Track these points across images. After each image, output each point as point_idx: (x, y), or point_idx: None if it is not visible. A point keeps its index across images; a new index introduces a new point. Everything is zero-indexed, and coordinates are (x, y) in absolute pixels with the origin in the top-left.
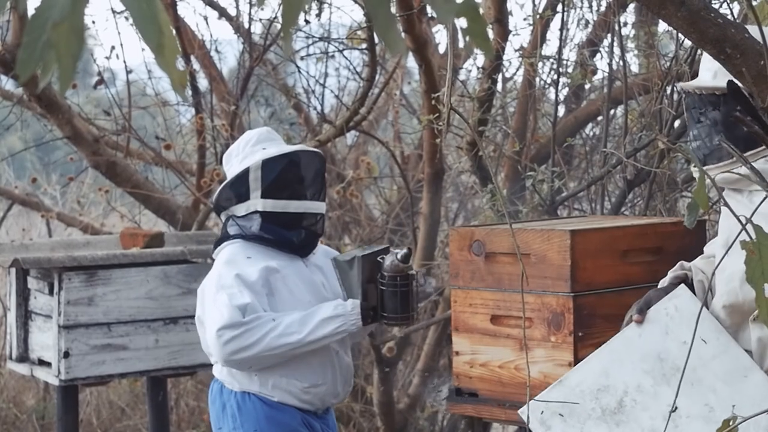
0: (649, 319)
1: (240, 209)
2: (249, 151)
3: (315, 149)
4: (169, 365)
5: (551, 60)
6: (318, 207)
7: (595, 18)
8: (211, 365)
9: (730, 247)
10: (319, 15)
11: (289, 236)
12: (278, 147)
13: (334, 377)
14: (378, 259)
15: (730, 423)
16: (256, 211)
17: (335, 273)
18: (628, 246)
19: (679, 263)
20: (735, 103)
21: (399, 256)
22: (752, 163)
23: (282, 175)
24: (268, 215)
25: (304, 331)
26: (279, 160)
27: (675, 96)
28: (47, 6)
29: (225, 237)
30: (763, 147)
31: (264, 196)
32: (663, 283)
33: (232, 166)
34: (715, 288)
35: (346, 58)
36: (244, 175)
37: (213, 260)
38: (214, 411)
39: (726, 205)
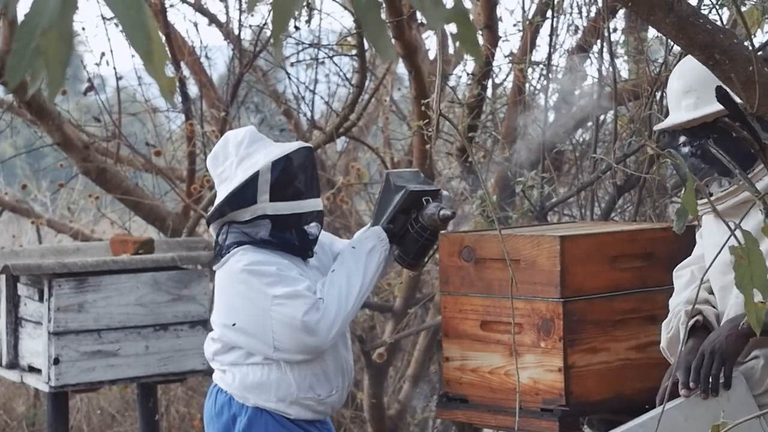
0: (697, 403)
1: (243, 215)
2: (245, 153)
3: (309, 144)
4: (160, 372)
5: (541, 66)
6: (318, 204)
7: (585, 24)
8: (201, 371)
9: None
10: (309, 21)
11: (294, 239)
12: (277, 147)
13: (344, 383)
14: (423, 199)
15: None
16: (264, 216)
17: (383, 185)
18: (617, 252)
19: (662, 325)
20: (719, 128)
21: (441, 214)
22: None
23: (289, 176)
24: (277, 219)
25: (361, 271)
26: (284, 160)
27: (665, 102)
28: (36, 13)
29: (227, 246)
30: (759, 168)
31: (273, 198)
32: (679, 326)
33: (225, 170)
34: (727, 306)
35: (336, 64)
36: (253, 178)
37: (204, 268)
38: (220, 423)
39: (714, 210)
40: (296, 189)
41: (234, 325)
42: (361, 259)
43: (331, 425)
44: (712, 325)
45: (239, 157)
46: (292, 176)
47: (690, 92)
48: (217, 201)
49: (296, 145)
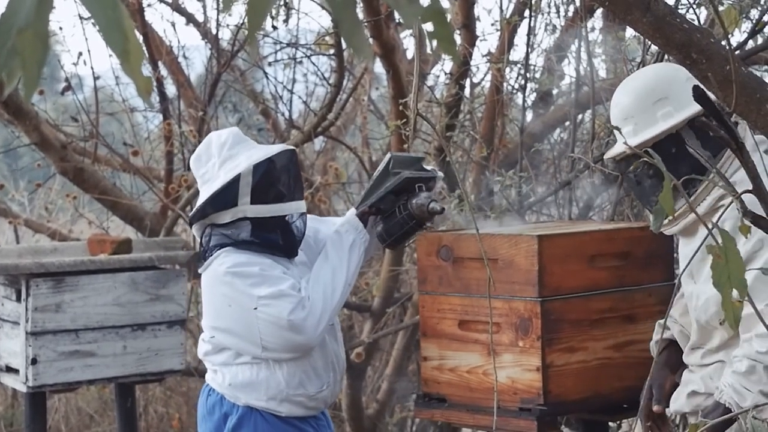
0: None
1: (224, 217)
2: (227, 154)
3: (292, 147)
4: (137, 371)
5: (519, 65)
6: (301, 206)
7: (563, 23)
8: (179, 371)
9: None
10: (286, 21)
11: (277, 239)
12: (259, 149)
13: (335, 377)
14: (416, 186)
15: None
16: (244, 218)
17: (382, 164)
18: (595, 251)
19: (656, 324)
20: (675, 140)
21: (430, 206)
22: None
23: (271, 179)
24: (258, 221)
25: (344, 266)
26: (267, 163)
27: None
28: (12, 12)
29: (210, 248)
30: (702, 188)
31: (253, 201)
32: (652, 344)
33: (207, 171)
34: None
35: (314, 63)
36: (234, 181)
37: (182, 268)
38: (211, 422)
39: (694, 212)
40: (278, 192)
41: (220, 327)
42: (344, 254)
43: (329, 419)
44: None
45: (222, 158)
46: (274, 179)
47: (627, 119)
48: (199, 202)
49: (279, 147)
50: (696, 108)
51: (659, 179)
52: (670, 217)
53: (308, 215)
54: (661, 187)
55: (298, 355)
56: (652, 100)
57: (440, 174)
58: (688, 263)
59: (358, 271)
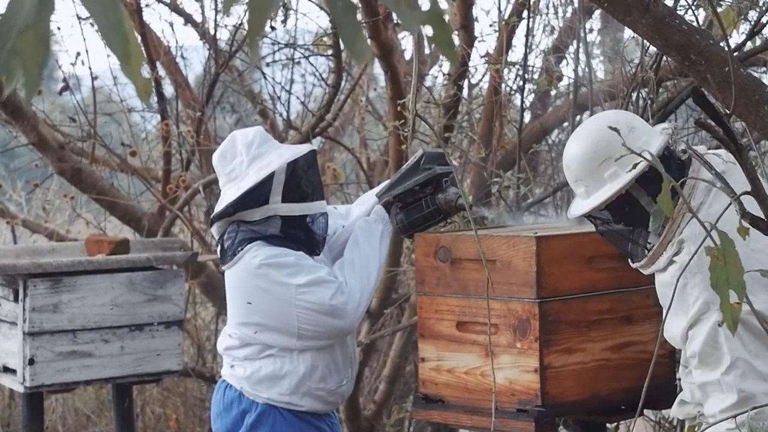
0: None
1: (254, 214)
2: (256, 153)
3: (314, 147)
4: (135, 372)
5: (517, 66)
6: (324, 205)
7: (561, 24)
8: (176, 372)
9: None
10: (285, 21)
11: (302, 237)
12: (288, 149)
13: (352, 373)
14: (443, 180)
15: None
16: (275, 216)
17: (414, 158)
18: (593, 252)
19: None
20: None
21: (458, 202)
22: (676, 234)
23: (299, 178)
24: (288, 219)
25: (377, 254)
26: (295, 163)
27: (641, 102)
28: (12, 14)
29: (239, 242)
30: (663, 235)
31: (284, 200)
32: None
33: (234, 169)
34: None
35: (312, 64)
36: (268, 179)
37: (180, 268)
38: (228, 418)
39: (690, 210)
40: (303, 191)
41: (251, 321)
42: (375, 243)
43: (336, 418)
44: None
45: (250, 156)
46: (302, 178)
47: (578, 182)
48: (227, 200)
49: (306, 147)
50: (642, 165)
51: (625, 223)
52: (646, 259)
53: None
54: (628, 233)
55: (333, 341)
56: (596, 162)
57: (454, 164)
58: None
59: (385, 260)
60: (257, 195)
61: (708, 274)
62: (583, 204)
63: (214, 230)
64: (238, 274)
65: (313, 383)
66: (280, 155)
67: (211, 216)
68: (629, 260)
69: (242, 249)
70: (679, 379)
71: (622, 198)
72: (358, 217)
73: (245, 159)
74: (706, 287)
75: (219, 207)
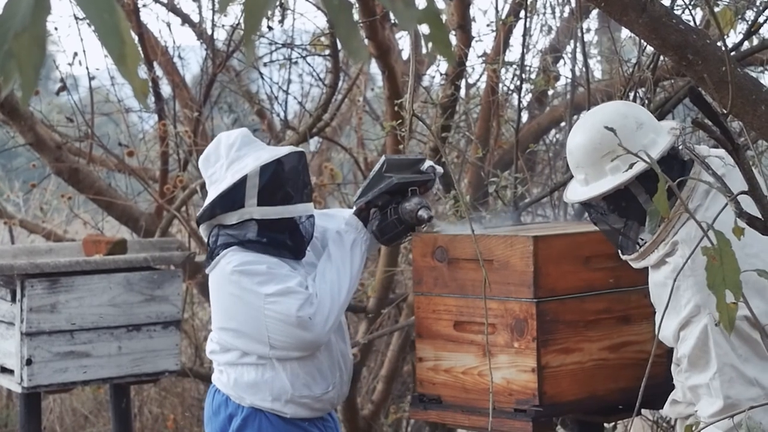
0: None
1: (231, 218)
2: (235, 156)
3: (300, 149)
4: (132, 372)
5: (514, 66)
6: (309, 208)
7: (558, 24)
8: (174, 372)
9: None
10: (282, 21)
11: (284, 240)
12: (267, 151)
13: (341, 379)
14: (409, 189)
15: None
16: (251, 219)
17: (378, 165)
18: (590, 252)
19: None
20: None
21: (418, 214)
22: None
23: (279, 181)
24: (265, 222)
25: (348, 264)
26: (274, 165)
27: (638, 102)
28: (8, 16)
29: (217, 248)
30: (659, 232)
31: (260, 203)
32: None
33: (215, 172)
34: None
35: (309, 64)
36: (241, 182)
37: (177, 269)
38: (217, 422)
39: (687, 210)
40: (286, 193)
41: (228, 327)
42: (346, 254)
43: (336, 421)
44: None
45: (229, 159)
46: (281, 180)
47: (578, 168)
48: (207, 202)
49: (287, 149)
50: (641, 165)
51: (620, 216)
52: (636, 254)
53: (315, 211)
54: (622, 224)
55: (305, 354)
56: (600, 154)
57: (439, 170)
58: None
59: (362, 269)
60: (232, 198)
61: (701, 277)
62: (580, 191)
63: (202, 232)
64: (215, 279)
65: (296, 391)
66: (257, 158)
67: (196, 218)
68: (619, 252)
69: (219, 254)
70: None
71: (620, 193)
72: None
73: (225, 162)
74: (698, 290)
75: (201, 209)
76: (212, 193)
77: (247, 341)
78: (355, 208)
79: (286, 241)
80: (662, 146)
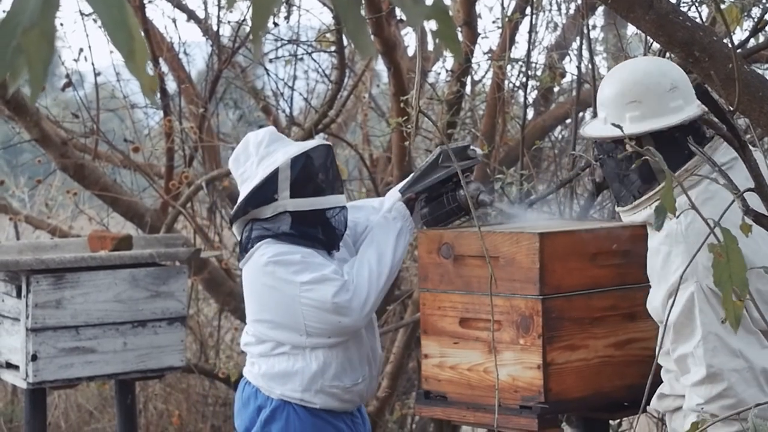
0: None
1: (265, 212)
2: (265, 152)
3: (328, 142)
4: (138, 368)
5: (520, 63)
6: (341, 200)
7: (564, 21)
8: (179, 368)
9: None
10: (287, 17)
11: (317, 233)
12: (296, 145)
13: (371, 372)
14: (465, 175)
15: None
16: (284, 212)
17: (432, 155)
18: (596, 249)
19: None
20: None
21: (479, 198)
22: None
23: (309, 173)
24: (298, 215)
25: (390, 251)
26: (304, 158)
27: None
28: (18, 11)
29: (251, 241)
30: (657, 189)
31: (293, 195)
32: None
33: (246, 170)
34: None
35: (315, 60)
36: (273, 176)
37: (183, 265)
38: (246, 414)
39: (693, 207)
40: (317, 185)
41: (263, 319)
42: (391, 240)
43: (366, 418)
44: None
45: (259, 156)
46: (312, 173)
47: (602, 107)
48: (240, 200)
49: (315, 142)
50: (658, 124)
51: (639, 172)
52: (629, 206)
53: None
54: (638, 180)
55: (342, 339)
56: (625, 100)
57: (479, 152)
58: (687, 270)
59: (403, 258)
60: (264, 192)
61: (692, 245)
62: (595, 127)
63: (234, 231)
64: (249, 272)
65: (326, 381)
66: (287, 152)
67: (229, 217)
68: (616, 202)
69: (253, 247)
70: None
71: (633, 141)
72: (381, 215)
73: (255, 159)
74: (688, 257)
75: (234, 208)
76: (244, 191)
77: (282, 331)
78: (402, 195)
79: (318, 235)
80: (684, 116)
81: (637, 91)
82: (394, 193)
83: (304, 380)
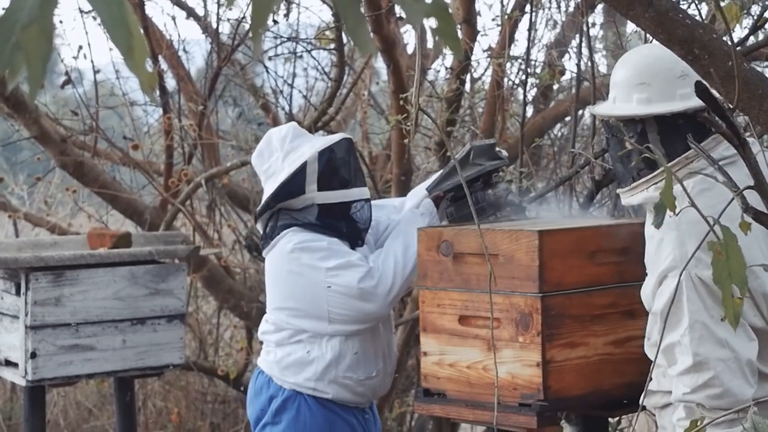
0: None
1: (294, 204)
2: (290, 147)
3: (349, 136)
4: (137, 366)
5: (519, 60)
6: (364, 192)
7: (564, 18)
8: (178, 366)
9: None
10: (287, 15)
11: (342, 227)
12: (321, 139)
13: (385, 368)
14: (494, 175)
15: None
16: (313, 204)
17: (462, 152)
18: (596, 246)
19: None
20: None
21: (508, 198)
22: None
23: (335, 166)
24: (325, 207)
25: (416, 244)
26: (329, 151)
27: None
28: (16, 8)
29: (277, 229)
30: (655, 173)
31: (320, 188)
32: None
33: (271, 166)
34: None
35: (315, 58)
36: (301, 169)
37: (182, 262)
38: (258, 403)
39: (693, 205)
40: (342, 178)
41: (285, 306)
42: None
43: (377, 417)
44: None
45: (284, 151)
46: (337, 166)
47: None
48: (265, 196)
49: (339, 136)
50: (664, 108)
51: (640, 154)
52: (628, 187)
53: None
54: (628, 155)
55: (363, 327)
56: (635, 81)
57: (504, 153)
58: (687, 263)
59: None
60: (293, 185)
61: (684, 232)
62: (605, 106)
63: (259, 226)
64: (273, 260)
65: (340, 371)
66: (312, 146)
67: (255, 212)
68: (618, 183)
69: (279, 235)
70: None
71: (636, 124)
72: (409, 210)
73: (280, 155)
74: (679, 245)
75: (261, 204)
76: (270, 186)
77: (304, 319)
78: (430, 193)
79: (342, 228)
80: (690, 104)
81: (647, 73)
82: (419, 191)
83: (318, 369)
